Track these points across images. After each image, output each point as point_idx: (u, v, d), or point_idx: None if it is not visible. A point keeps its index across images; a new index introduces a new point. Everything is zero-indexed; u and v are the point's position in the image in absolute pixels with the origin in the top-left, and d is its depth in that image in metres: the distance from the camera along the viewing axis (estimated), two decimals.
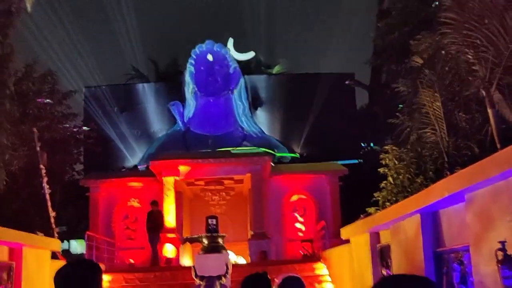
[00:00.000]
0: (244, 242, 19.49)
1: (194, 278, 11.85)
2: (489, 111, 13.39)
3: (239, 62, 31.81)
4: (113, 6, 48.06)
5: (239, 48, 34.96)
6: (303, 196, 20.98)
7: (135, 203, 20.72)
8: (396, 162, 16.41)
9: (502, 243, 4.44)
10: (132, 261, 19.17)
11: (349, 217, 16.14)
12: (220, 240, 14.59)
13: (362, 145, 32.93)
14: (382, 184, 16.68)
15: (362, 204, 17.15)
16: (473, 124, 15.45)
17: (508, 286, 4.40)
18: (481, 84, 13.48)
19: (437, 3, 16.31)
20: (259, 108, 35.91)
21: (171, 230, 19.01)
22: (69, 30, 45.93)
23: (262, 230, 19.12)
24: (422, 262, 6.34)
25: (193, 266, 12.61)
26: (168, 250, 18.60)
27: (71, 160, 25.43)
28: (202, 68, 29.30)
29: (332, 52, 44.16)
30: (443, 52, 15.30)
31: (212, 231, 14.41)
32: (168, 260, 18.26)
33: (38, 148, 18.16)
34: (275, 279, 4.28)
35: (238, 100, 30.08)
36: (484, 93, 13.43)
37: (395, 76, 20.28)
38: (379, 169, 16.97)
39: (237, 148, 24.72)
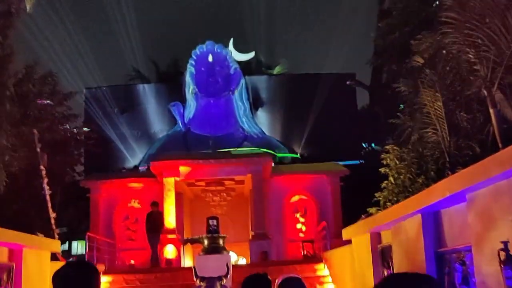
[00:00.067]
0: (245, 243, 19.45)
1: (195, 279, 11.80)
2: (491, 110, 13.35)
3: (239, 62, 31.82)
4: (114, 7, 48.11)
5: (239, 49, 34.97)
6: (304, 197, 20.93)
7: (135, 204, 20.70)
8: (397, 162, 16.37)
9: (505, 243, 4.40)
10: (132, 262, 19.12)
11: (350, 217, 16.09)
12: (220, 241, 14.53)
13: (363, 145, 32.91)
14: (383, 184, 16.64)
15: (363, 204, 17.11)
16: (475, 124, 15.41)
17: (511, 287, 4.35)
18: (483, 83, 13.44)
19: (437, 2, 16.27)
20: (259, 109, 35.91)
21: (171, 231, 18.97)
22: (70, 31, 46.02)
23: (263, 230, 19.08)
24: (423, 262, 6.30)
25: (194, 267, 12.57)
26: (169, 251, 18.57)
27: (71, 161, 25.41)
28: (202, 68, 29.28)
29: (333, 53, 44.22)
30: (444, 51, 15.26)
31: (212, 232, 14.35)
32: (169, 261, 18.22)
33: (38, 149, 18.14)
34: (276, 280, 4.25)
35: (239, 101, 30.06)
36: (485, 92, 13.39)
37: (396, 76, 20.24)
38: (380, 169, 16.93)
39: (238, 149, 24.70)
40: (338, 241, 13.82)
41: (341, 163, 22.99)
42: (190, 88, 29.88)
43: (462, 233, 5.58)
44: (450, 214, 6.04)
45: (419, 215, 6.47)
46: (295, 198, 20.94)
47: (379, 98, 29.69)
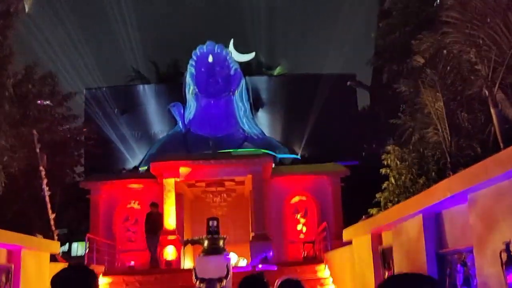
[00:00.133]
0: (246, 244, 19.39)
1: (194, 280, 11.75)
2: (492, 110, 13.32)
3: (240, 63, 31.74)
4: (114, 8, 48.07)
5: (240, 49, 34.91)
6: (304, 198, 20.88)
7: (135, 205, 20.66)
8: (398, 163, 16.34)
9: (507, 244, 4.35)
10: (132, 263, 19.07)
11: (351, 218, 16.04)
12: (221, 242, 14.47)
13: (364, 145, 32.86)
14: (384, 185, 16.61)
15: (364, 205, 17.07)
16: (476, 124, 15.38)
17: None
18: (484, 83, 13.41)
19: (438, 2, 16.23)
20: (260, 109, 35.85)
21: (171, 232, 18.92)
22: (70, 32, 45.96)
23: (263, 231, 19.03)
24: (424, 263, 6.25)
25: (194, 268, 12.52)
26: (169, 252, 18.52)
27: (71, 162, 25.38)
28: (202, 69, 29.22)
29: (333, 53, 44.12)
30: (445, 51, 15.23)
31: (213, 233, 14.28)
32: (169, 262, 18.17)
33: (38, 150, 18.12)
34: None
35: (239, 102, 30.01)
36: (486, 92, 13.36)
37: (396, 76, 20.21)
38: (381, 170, 16.89)
39: (238, 150, 24.65)
40: (339, 242, 13.77)
41: (341, 163, 22.91)
42: (190, 88, 29.82)
43: (464, 234, 5.54)
44: (451, 214, 5.99)
45: (420, 216, 6.42)
46: (296, 199, 20.89)
47: (379, 99, 29.65)
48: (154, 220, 18.00)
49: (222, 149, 24.45)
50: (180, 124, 29.85)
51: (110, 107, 35.41)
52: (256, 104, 34.31)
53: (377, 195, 16.74)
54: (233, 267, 13.62)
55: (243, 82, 30.35)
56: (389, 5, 24.96)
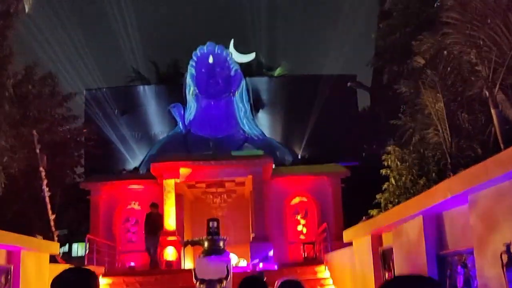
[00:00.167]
0: (246, 245, 19.37)
1: (194, 281, 11.73)
2: (493, 111, 13.30)
3: (240, 64, 31.72)
4: (114, 8, 48.07)
5: (240, 50, 34.89)
6: (304, 198, 20.86)
7: (135, 206, 20.64)
8: (399, 163, 16.32)
9: (507, 245, 4.33)
10: (132, 264, 19.05)
11: (351, 219, 16.03)
12: (221, 243, 14.46)
13: (364, 146, 32.83)
14: (384, 186, 16.58)
15: (364, 206, 17.05)
16: (476, 125, 15.36)
17: None
18: (484, 84, 13.40)
19: (438, 3, 16.20)
20: (260, 110, 35.85)
21: (172, 233, 18.90)
22: (70, 32, 45.95)
23: (263, 232, 19.02)
24: (425, 265, 6.22)
25: (194, 269, 12.50)
26: (169, 253, 18.50)
27: (71, 162, 25.36)
28: (203, 70, 29.20)
29: (334, 54, 44.11)
30: (445, 52, 15.21)
31: (213, 234, 14.26)
32: (169, 263, 18.15)
33: (38, 151, 18.10)
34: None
35: (240, 102, 29.99)
36: (487, 93, 13.35)
37: (397, 77, 20.19)
38: (381, 171, 16.87)
39: (238, 151, 24.61)
40: (339, 243, 13.75)
41: (342, 164, 22.88)
42: (190, 89, 29.80)
43: (464, 235, 5.51)
44: (451, 216, 5.97)
45: (421, 217, 6.40)
46: (296, 199, 20.87)
47: (380, 99, 29.63)
48: (153, 220, 17.98)
49: (223, 150, 24.41)
50: (180, 125, 29.83)
51: (110, 108, 35.41)
52: (256, 105, 34.29)
53: (378, 196, 16.72)
54: (233, 267, 13.61)
55: (243, 83, 30.32)
56: (389, 6, 24.95)
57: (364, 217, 15.15)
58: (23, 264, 9.06)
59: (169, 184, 19.43)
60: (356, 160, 28.80)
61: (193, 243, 15.45)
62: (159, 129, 35.88)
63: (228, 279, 11.51)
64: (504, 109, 13.76)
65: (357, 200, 18.90)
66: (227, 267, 11.81)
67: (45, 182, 17.99)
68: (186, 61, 30.40)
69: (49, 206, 17.83)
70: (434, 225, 6.29)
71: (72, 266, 2.92)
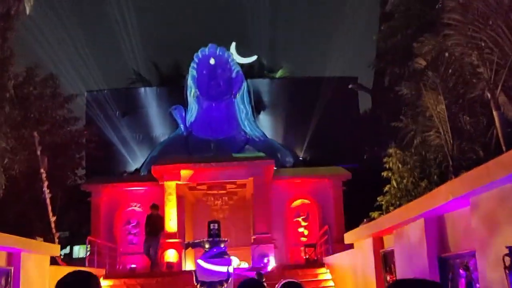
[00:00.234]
0: (247, 247, 19.35)
1: (195, 283, 11.72)
2: (494, 113, 13.25)
3: (242, 65, 31.67)
4: (115, 10, 48.06)
5: (242, 52, 34.85)
6: (306, 201, 20.83)
7: (136, 207, 20.63)
8: (400, 166, 16.29)
9: (510, 248, 4.30)
10: (133, 266, 19.03)
11: (352, 221, 16.00)
12: (222, 245, 14.43)
13: (366, 148, 32.78)
14: (386, 188, 16.55)
15: (366, 208, 17.01)
16: (478, 127, 15.32)
17: None
18: (486, 86, 13.35)
19: (440, 4, 16.15)
20: (262, 112, 35.80)
21: (173, 235, 18.88)
22: (71, 34, 45.94)
23: (265, 234, 18.99)
24: (426, 267, 6.20)
25: (194, 272, 12.48)
26: (170, 255, 18.47)
27: (72, 164, 25.33)
28: (204, 72, 29.14)
29: (335, 56, 44.01)
30: (446, 54, 15.17)
31: (214, 236, 14.25)
32: (170, 265, 18.12)
33: (38, 152, 18.09)
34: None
35: (241, 104, 29.93)
36: (489, 95, 13.30)
37: (398, 79, 20.15)
38: (382, 173, 16.83)
39: (240, 153, 24.58)
40: (340, 246, 13.73)
41: (343, 166, 22.84)
42: (191, 91, 29.74)
43: (466, 238, 5.49)
44: (453, 218, 5.94)
45: (422, 220, 6.37)
46: (297, 202, 20.84)
47: (381, 101, 29.55)
48: (154, 222, 17.94)
49: (224, 152, 24.38)
50: (182, 126, 29.77)
51: (111, 110, 35.39)
52: (257, 106, 34.24)
53: (379, 199, 16.69)
54: (234, 269, 13.59)
55: (244, 84, 30.25)
56: (390, 8, 24.91)
57: (365, 220, 15.12)
58: (23, 266, 9.07)
59: (170, 186, 19.43)
60: (357, 162, 28.73)
61: (194, 245, 15.45)
62: (160, 131, 35.84)
63: (229, 281, 11.50)
64: (506, 111, 13.71)
65: (359, 203, 18.86)
66: (227, 269, 11.81)
67: (46, 184, 17.97)
68: (188, 63, 30.34)
69: (49, 208, 17.82)
70: (436, 228, 6.26)
71: (76, 269, 2.95)
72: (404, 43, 20.49)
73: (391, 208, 15.41)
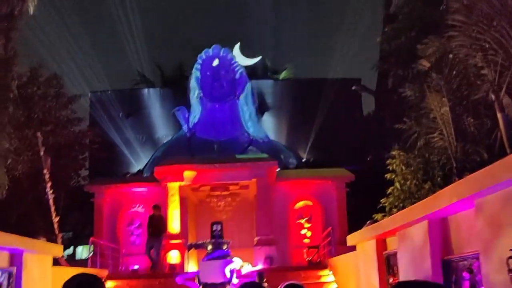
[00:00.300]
0: (250, 248, 19.33)
1: (198, 285, 11.70)
2: (499, 115, 13.20)
3: (245, 67, 31.69)
4: (119, 11, 48.18)
5: (245, 53, 34.90)
6: (309, 202, 20.80)
7: (139, 208, 20.63)
8: (403, 168, 16.23)
9: None
10: (136, 267, 19.02)
11: (355, 223, 15.96)
12: (225, 247, 14.41)
13: (369, 150, 32.75)
14: (389, 190, 16.49)
15: (369, 210, 16.96)
16: (482, 129, 15.25)
17: None
18: (490, 88, 13.30)
19: (444, 6, 16.10)
20: (265, 113, 35.85)
21: (175, 236, 18.86)
22: (75, 34, 46.08)
23: (268, 236, 18.98)
24: (429, 270, 6.16)
25: (197, 273, 12.47)
26: (173, 256, 18.46)
27: (76, 165, 25.37)
28: (208, 73, 29.15)
29: (339, 57, 44.01)
30: (450, 55, 15.11)
31: (216, 237, 14.23)
32: (172, 266, 18.10)
33: (42, 153, 18.11)
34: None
35: (244, 106, 29.92)
36: (493, 97, 13.25)
37: (402, 81, 20.09)
38: (386, 175, 16.79)
39: (243, 154, 24.56)
40: (343, 247, 13.68)
41: (346, 168, 22.81)
42: (195, 92, 29.75)
43: (470, 240, 5.45)
44: (457, 220, 5.90)
45: (426, 222, 6.34)
46: (300, 203, 20.82)
47: (384, 103, 29.49)
48: (156, 223, 17.89)
49: (227, 153, 24.38)
50: (185, 128, 29.79)
51: (115, 111, 35.47)
52: (261, 108, 34.27)
53: (382, 201, 16.63)
54: (237, 271, 13.55)
55: (248, 86, 30.24)
56: (394, 10, 24.86)
57: (368, 222, 15.08)
58: (26, 267, 9.04)
59: (173, 187, 19.43)
60: (360, 164, 28.70)
61: (197, 247, 15.44)
62: (164, 132, 35.92)
63: (231, 282, 11.47)
64: (510, 113, 13.65)
65: (362, 204, 18.83)
66: (230, 270, 11.78)
67: (49, 184, 18.00)
68: (191, 64, 30.38)
69: (53, 209, 17.84)
70: (440, 230, 6.23)
71: (82, 271, 2.99)
72: (408, 45, 20.43)
73: (394, 210, 15.36)
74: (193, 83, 29.76)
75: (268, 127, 34.15)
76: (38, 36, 33.91)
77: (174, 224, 19.08)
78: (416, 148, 16.71)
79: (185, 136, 29.52)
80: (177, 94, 34.28)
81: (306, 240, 20.33)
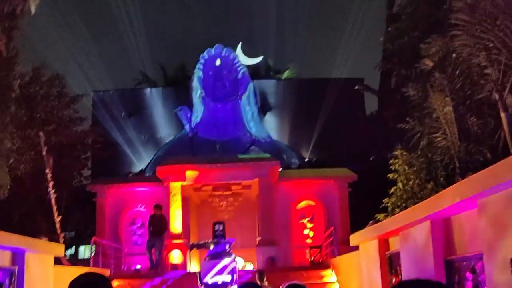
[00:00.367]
0: (253, 248, 19.32)
1: (200, 284, 11.68)
2: (502, 115, 13.15)
3: (248, 66, 31.68)
4: (122, 11, 48.26)
5: (248, 53, 34.88)
6: (311, 202, 20.76)
7: (141, 208, 20.62)
8: (406, 168, 16.19)
9: None
10: (138, 266, 19.01)
11: (358, 223, 15.92)
12: (227, 246, 14.38)
13: (372, 150, 32.72)
14: (392, 190, 16.45)
15: (371, 210, 16.92)
16: (485, 129, 15.20)
17: None
18: (494, 87, 13.25)
19: (447, 5, 16.04)
20: (268, 113, 35.84)
21: (177, 236, 18.85)
22: (78, 34, 46.19)
23: (270, 236, 18.95)
24: (432, 270, 6.13)
25: (198, 273, 12.45)
26: (175, 256, 18.44)
27: (78, 165, 25.39)
28: (210, 72, 29.16)
29: (342, 57, 44.01)
30: (454, 55, 15.06)
31: (218, 237, 14.21)
32: (175, 266, 18.09)
33: (44, 153, 18.12)
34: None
35: (247, 105, 29.93)
36: (496, 96, 13.20)
37: (405, 81, 20.04)
38: (388, 175, 16.75)
39: (245, 154, 24.55)
40: (346, 247, 13.66)
41: (349, 168, 22.77)
42: (197, 92, 29.76)
43: (473, 240, 5.42)
44: (460, 220, 5.87)
45: (428, 222, 6.31)
46: (303, 203, 20.77)
47: (387, 103, 29.43)
48: (157, 222, 17.86)
49: (229, 153, 24.37)
50: (187, 127, 29.80)
51: (117, 110, 35.49)
52: (263, 107, 34.27)
53: (385, 200, 16.60)
54: (239, 271, 13.53)
55: (250, 85, 30.23)
56: (397, 9, 24.80)
57: (371, 222, 15.05)
58: (28, 266, 9.04)
59: (175, 187, 19.42)
60: (363, 164, 28.67)
61: (199, 246, 15.42)
62: (166, 131, 35.95)
63: (233, 282, 11.44)
64: None
65: (364, 204, 18.79)
66: (232, 270, 11.75)
67: (51, 184, 18.00)
68: (194, 64, 30.41)
69: (55, 208, 17.85)
70: (442, 230, 6.20)
71: (88, 271, 2.96)
72: (411, 45, 20.38)
73: (397, 210, 15.32)
74: (195, 83, 29.77)
75: (271, 127, 34.14)
76: (40, 35, 33.96)
77: (176, 224, 19.07)
78: (419, 148, 16.67)
79: (187, 135, 29.54)
80: (179, 94, 34.31)
81: (309, 240, 20.29)
